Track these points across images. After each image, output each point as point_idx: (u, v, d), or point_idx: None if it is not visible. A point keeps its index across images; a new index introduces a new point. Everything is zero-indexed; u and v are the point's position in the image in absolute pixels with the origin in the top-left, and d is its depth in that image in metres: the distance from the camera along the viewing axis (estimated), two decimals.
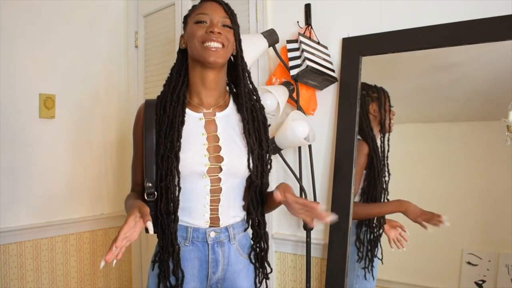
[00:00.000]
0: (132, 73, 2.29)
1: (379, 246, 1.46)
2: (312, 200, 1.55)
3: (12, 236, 1.77)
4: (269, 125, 1.25)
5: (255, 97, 1.23)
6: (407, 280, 1.42)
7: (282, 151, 1.54)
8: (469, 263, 1.29)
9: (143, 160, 1.16)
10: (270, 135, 1.59)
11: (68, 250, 1.98)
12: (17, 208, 1.80)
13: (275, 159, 1.64)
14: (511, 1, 1.24)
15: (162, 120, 1.15)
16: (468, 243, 1.31)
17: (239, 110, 1.21)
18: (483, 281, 1.27)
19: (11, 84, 1.79)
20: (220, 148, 1.15)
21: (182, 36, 1.24)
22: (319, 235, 1.59)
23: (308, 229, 1.51)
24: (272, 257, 1.71)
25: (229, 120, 1.20)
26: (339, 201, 1.48)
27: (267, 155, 1.19)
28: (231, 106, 1.23)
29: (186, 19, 1.22)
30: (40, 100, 1.88)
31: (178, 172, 1.11)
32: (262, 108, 1.24)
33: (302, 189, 1.53)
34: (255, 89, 1.24)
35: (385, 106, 1.47)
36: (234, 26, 1.18)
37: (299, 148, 1.57)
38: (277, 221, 1.72)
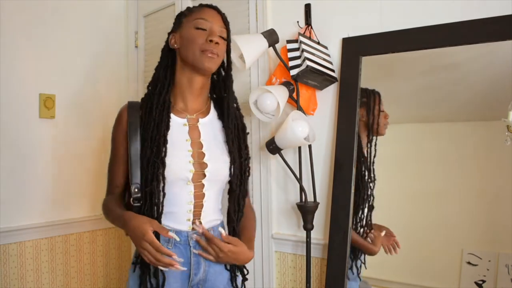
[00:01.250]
0: (132, 73, 2.29)
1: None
2: (313, 200, 1.55)
3: (12, 236, 1.77)
4: (248, 133, 1.30)
5: (235, 105, 1.27)
6: (407, 280, 1.42)
7: (282, 151, 1.54)
8: (469, 263, 1.29)
9: (127, 163, 1.15)
10: (270, 135, 1.61)
11: (68, 250, 1.98)
12: (17, 208, 1.80)
13: (275, 159, 1.64)
14: (511, 1, 1.24)
15: (148, 123, 1.15)
16: (468, 243, 1.31)
17: (221, 117, 1.23)
18: (483, 281, 1.27)
19: (11, 84, 1.79)
20: (204, 154, 1.16)
21: (172, 35, 1.23)
22: (319, 235, 1.59)
23: (308, 229, 1.51)
24: (272, 257, 1.71)
25: (211, 127, 1.22)
26: (339, 201, 1.48)
27: (246, 162, 1.22)
28: (212, 112, 1.25)
29: (180, 19, 1.21)
30: (40, 100, 1.88)
31: (164, 178, 1.12)
32: (241, 116, 1.29)
33: (302, 189, 1.53)
34: (235, 97, 1.28)
35: (374, 111, 1.47)
36: (227, 38, 1.20)
37: (299, 148, 1.57)
38: (277, 221, 1.71)
